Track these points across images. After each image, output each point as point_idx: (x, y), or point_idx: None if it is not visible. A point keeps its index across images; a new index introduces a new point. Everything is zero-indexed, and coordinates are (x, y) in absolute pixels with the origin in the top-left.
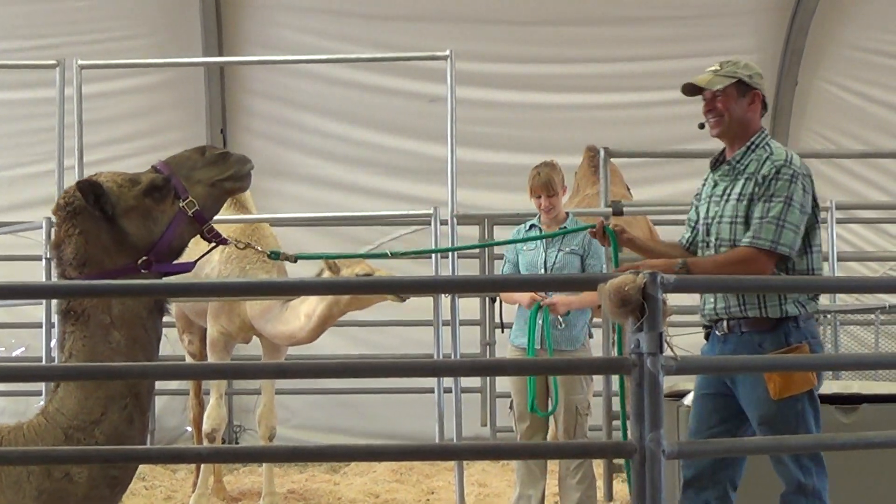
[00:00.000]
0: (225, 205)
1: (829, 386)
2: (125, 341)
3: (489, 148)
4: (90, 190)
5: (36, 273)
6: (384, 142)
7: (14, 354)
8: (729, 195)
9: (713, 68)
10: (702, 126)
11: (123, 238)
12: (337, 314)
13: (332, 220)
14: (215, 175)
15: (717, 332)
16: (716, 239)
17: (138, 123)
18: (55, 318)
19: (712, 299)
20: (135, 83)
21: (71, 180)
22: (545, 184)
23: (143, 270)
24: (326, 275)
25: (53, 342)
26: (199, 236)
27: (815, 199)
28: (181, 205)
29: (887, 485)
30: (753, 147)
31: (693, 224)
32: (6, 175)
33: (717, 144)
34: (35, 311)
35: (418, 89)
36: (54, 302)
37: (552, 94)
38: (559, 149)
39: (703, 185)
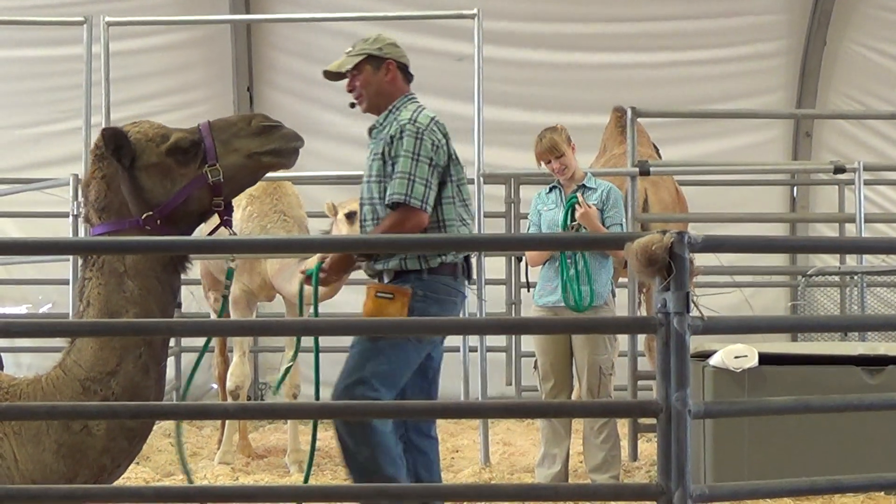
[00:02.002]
0: None
1: (856, 347)
2: (138, 291)
3: (516, 107)
4: (112, 139)
5: (63, 229)
6: None
7: (41, 311)
8: (371, 155)
9: (347, 50)
10: (353, 105)
11: (139, 192)
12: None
13: (356, 179)
14: (255, 147)
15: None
16: (362, 198)
17: (165, 81)
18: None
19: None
20: (162, 40)
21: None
22: (549, 148)
23: (146, 227)
24: (330, 219)
25: None
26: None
27: (450, 155)
28: (205, 170)
29: None
30: (394, 110)
31: None
32: (33, 132)
33: (743, 104)
34: (62, 267)
35: (445, 48)
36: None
37: (580, 53)
38: (586, 108)
39: None
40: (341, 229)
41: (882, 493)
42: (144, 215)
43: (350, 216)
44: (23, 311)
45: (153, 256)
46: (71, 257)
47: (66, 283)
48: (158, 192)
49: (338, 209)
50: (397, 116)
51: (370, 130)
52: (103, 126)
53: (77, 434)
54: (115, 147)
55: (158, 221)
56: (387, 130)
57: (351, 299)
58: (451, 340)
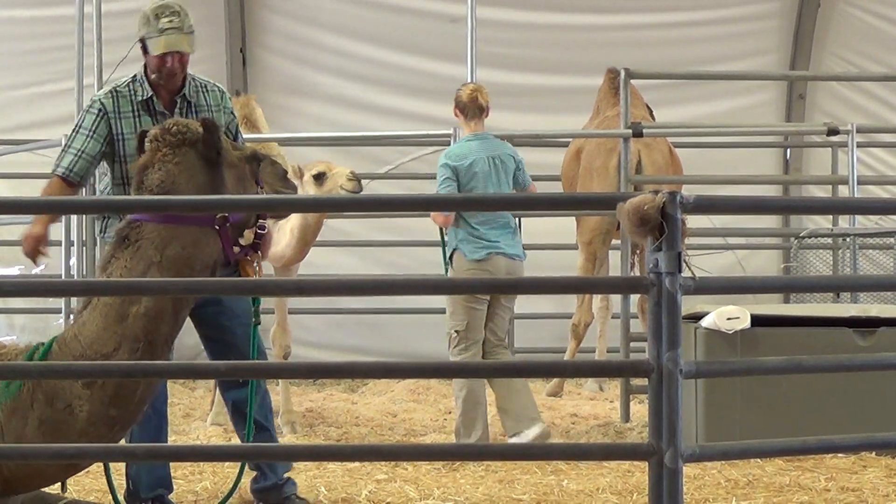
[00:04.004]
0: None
1: (847, 309)
2: None
3: (509, 69)
4: (215, 129)
5: None
6: (404, 62)
7: (34, 272)
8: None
9: (172, 24)
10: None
11: (219, 187)
12: (313, 222)
13: (350, 140)
14: (279, 186)
15: None
16: None
17: None
18: (74, 237)
19: None
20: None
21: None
22: None
23: (215, 227)
24: (297, 182)
25: (73, 260)
26: None
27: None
28: (259, 190)
29: None
30: (192, 79)
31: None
32: (25, 93)
33: (736, 65)
34: (54, 228)
35: (439, 9)
36: (73, 220)
37: (574, 14)
38: (580, 69)
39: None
40: (307, 191)
41: (873, 454)
42: (219, 215)
43: (318, 177)
44: (15, 272)
45: (197, 254)
46: (63, 218)
47: (58, 244)
48: (234, 192)
49: (304, 171)
50: (211, 84)
51: (175, 98)
52: (95, 87)
53: (60, 412)
54: (216, 138)
55: (228, 224)
56: (206, 98)
57: (341, 262)
58: (443, 302)
